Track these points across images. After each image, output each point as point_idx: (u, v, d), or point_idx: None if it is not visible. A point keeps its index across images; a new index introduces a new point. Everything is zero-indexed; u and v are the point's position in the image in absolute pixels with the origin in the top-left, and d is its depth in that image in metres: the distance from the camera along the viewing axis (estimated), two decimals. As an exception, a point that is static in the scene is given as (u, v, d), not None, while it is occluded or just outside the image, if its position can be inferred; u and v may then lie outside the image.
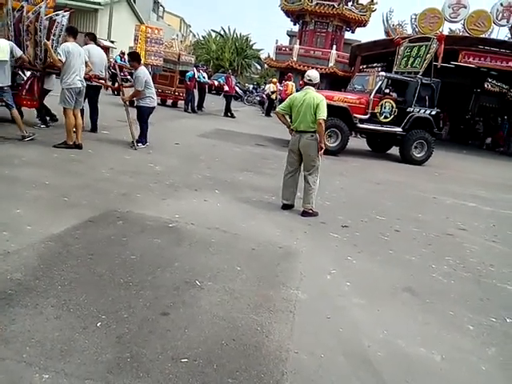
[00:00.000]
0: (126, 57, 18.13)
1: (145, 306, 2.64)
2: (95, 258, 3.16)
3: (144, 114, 7.63)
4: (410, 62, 11.95)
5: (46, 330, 2.28)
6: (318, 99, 5.02)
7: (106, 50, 33.62)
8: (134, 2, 36.71)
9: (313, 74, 5.23)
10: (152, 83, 7.66)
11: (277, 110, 5.51)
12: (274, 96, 20.93)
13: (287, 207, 5.36)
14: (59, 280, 2.78)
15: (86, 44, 7.63)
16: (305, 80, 5.30)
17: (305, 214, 5.21)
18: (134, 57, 7.68)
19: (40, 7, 7.11)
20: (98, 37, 33.98)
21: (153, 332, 2.40)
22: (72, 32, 6.66)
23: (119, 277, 2.94)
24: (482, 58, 17.54)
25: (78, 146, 6.52)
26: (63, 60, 6.27)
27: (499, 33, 19.27)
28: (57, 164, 5.62)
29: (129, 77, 15.69)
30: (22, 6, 7.08)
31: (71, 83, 6.37)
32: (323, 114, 4.99)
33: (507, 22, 18.32)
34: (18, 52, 6.56)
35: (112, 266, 3.07)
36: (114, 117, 9.66)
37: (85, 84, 6.69)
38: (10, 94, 6.57)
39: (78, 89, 6.49)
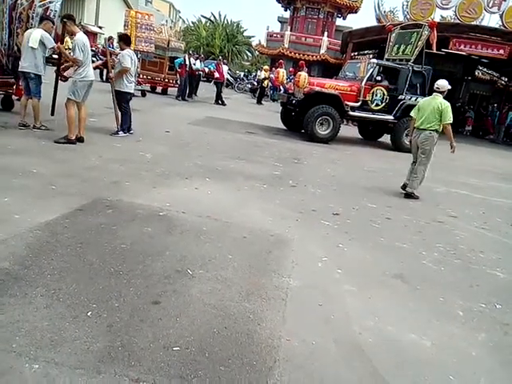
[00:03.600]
0: (114, 42, 17.77)
1: (136, 295, 2.62)
2: (85, 246, 3.13)
3: (122, 100, 7.46)
4: (401, 49, 11.91)
5: (35, 319, 2.25)
6: (444, 105, 5.98)
7: (94, 35, 33.17)
8: (123, -13, 36.12)
9: (441, 83, 6.16)
10: (134, 71, 7.59)
11: (411, 114, 6.49)
12: (265, 83, 20.81)
13: (405, 185, 6.42)
14: (48, 269, 2.74)
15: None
16: (434, 87, 6.23)
17: (407, 195, 6.26)
18: (123, 38, 7.68)
19: None
20: (85, 22, 33.27)
21: (144, 321, 2.38)
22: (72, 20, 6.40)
23: (110, 265, 2.91)
24: (473, 46, 17.54)
25: (80, 139, 6.34)
26: (82, 58, 6.08)
27: (490, 20, 19.26)
28: (44, 152, 5.53)
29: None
30: None
31: (86, 76, 6.19)
32: (449, 119, 5.98)
33: (498, 10, 18.30)
34: (49, 44, 6.39)
35: (102, 255, 3.04)
36: (102, 104, 9.51)
37: (93, 77, 6.50)
38: (36, 83, 6.46)
39: (90, 81, 6.33)
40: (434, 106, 6.00)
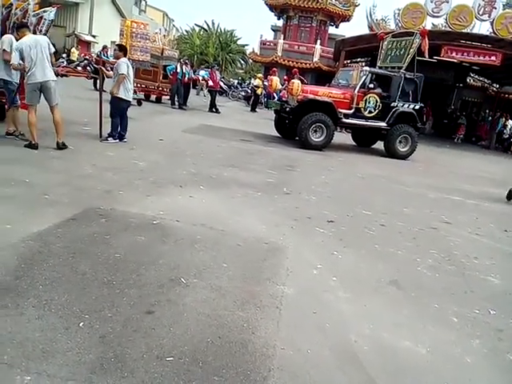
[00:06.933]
0: (109, 51, 17.78)
1: (129, 305, 2.59)
2: (77, 256, 3.10)
3: (116, 106, 7.50)
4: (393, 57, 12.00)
5: (27, 330, 2.22)
6: None
7: (88, 44, 33.21)
8: (116, -4, 36.24)
9: None
10: (131, 78, 7.65)
11: None
12: (259, 91, 20.88)
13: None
14: (40, 280, 2.71)
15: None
16: None
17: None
18: (123, 48, 7.84)
19: (28, 4, 6.98)
20: (79, 31, 33.08)
21: (137, 331, 2.36)
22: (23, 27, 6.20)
23: (102, 275, 2.89)
24: (465, 53, 17.74)
25: (59, 146, 6.27)
26: (15, 63, 5.88)
27: (481, 27, 19.47)
28: (37, 161, 5.50)
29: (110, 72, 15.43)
30: (11, 4, 6.91)
31: (32, 78, 5.99)
32: None
33: (489, 17, 18.49)
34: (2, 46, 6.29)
35: (95, 265, 3.01)
36: (97, 113, 9.48)
37: (52, 78, 6.21)
38: (9, 90, 6.40)
39: (37, 84, 6.04)
40: None
